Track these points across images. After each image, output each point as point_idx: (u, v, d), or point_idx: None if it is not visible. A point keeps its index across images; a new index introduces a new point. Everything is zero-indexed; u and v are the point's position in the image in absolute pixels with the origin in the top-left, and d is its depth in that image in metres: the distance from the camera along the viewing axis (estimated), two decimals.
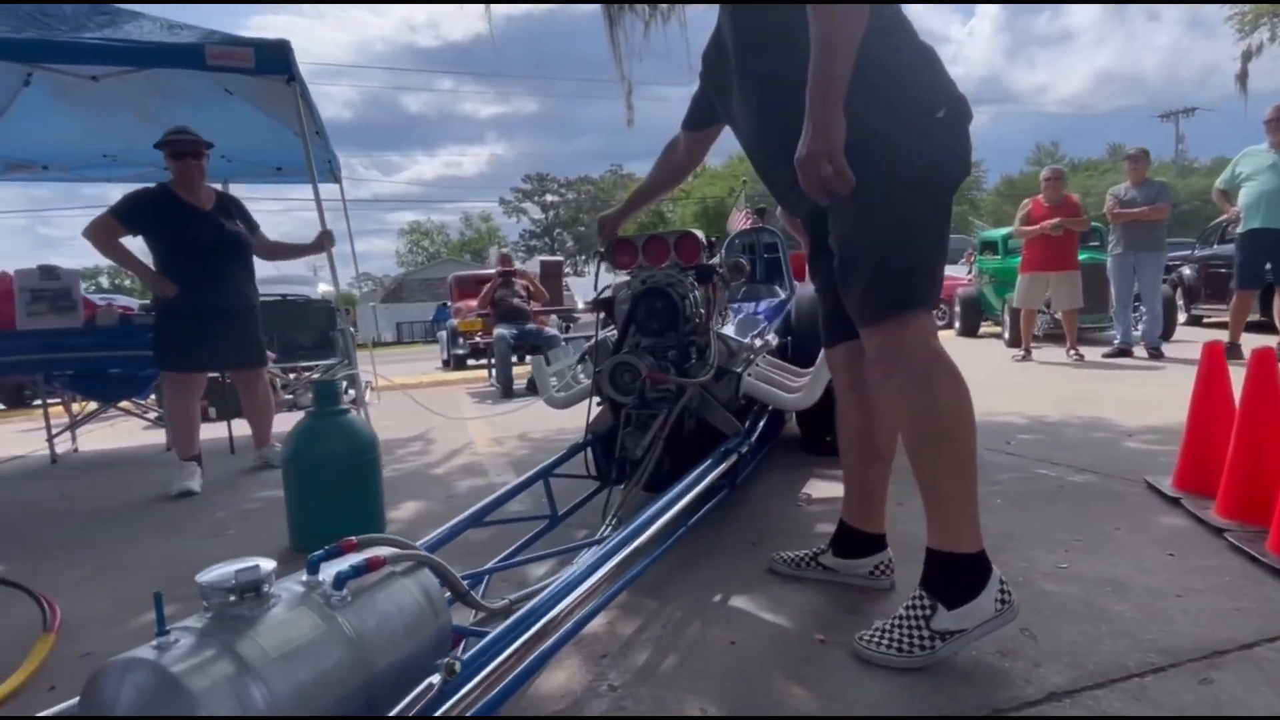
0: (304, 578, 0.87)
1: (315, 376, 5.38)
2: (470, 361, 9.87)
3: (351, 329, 5.28)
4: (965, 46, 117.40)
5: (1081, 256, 6.85)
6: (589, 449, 2.30)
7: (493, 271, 7.67)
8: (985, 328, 10.00)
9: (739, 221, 5.28)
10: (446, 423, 4.59)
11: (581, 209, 52.70)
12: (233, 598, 0.77)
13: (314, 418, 2.22)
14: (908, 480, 2.61)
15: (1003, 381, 5.22)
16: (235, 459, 3.93)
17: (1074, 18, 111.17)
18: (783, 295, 3.60)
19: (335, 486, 2.18)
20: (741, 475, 2.31)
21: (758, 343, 2.43)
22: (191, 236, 3.21)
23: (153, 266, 3.26)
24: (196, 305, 3.18)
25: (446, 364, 10.94)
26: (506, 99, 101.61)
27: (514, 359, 6.55)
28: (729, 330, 2.76)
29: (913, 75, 1.35)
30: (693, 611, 1.60)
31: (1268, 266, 5.17)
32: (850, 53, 1.18)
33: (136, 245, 3.38)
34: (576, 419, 3.69)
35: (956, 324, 10.39)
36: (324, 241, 3.69)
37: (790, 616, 1.54)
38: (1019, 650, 1.33)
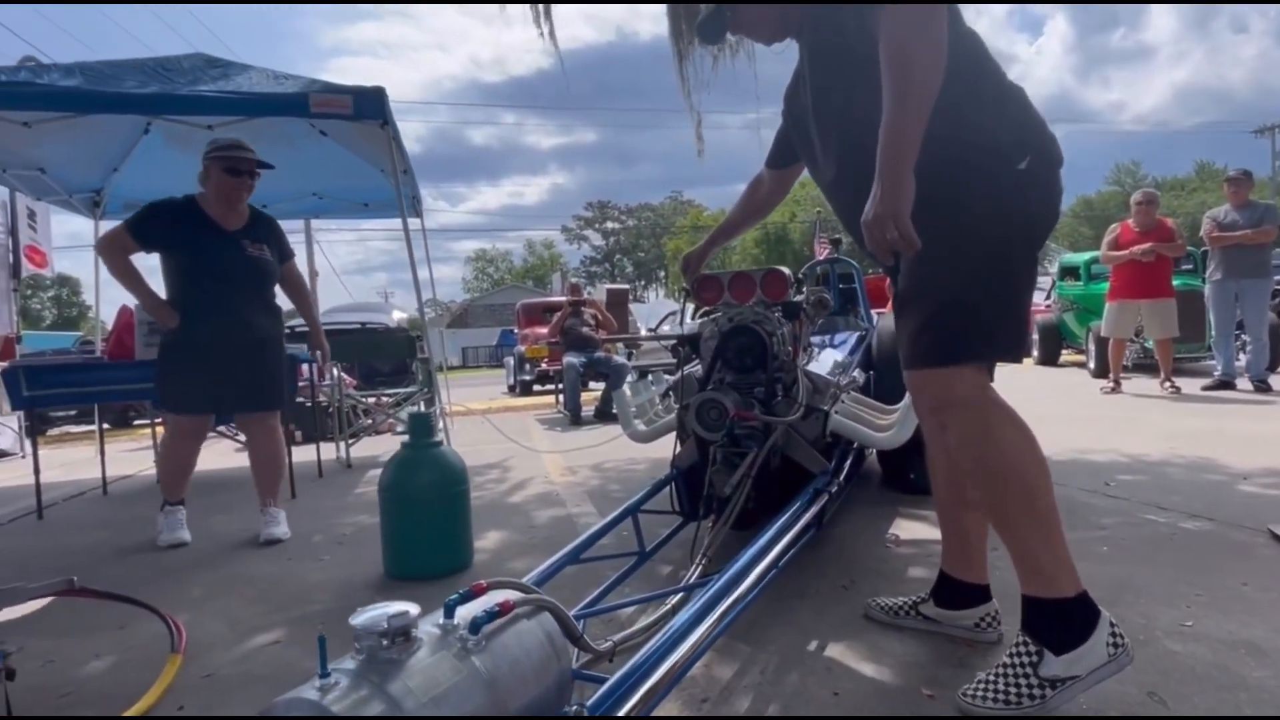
0: (440, 620, 0.91)
1: (390, 402, 5.58)
2: (536, 387, 10.06)
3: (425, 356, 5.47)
4: (1033, 66, 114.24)
5: (1175, 283, 6.52)
6: (673, 484, 2.31)
7: (560, 300, 7.82)
8: (1066, 356, 9.58)
9: (819, 250, 5.25)
10: (520, 449, 4.68)
11: (641, 235, 53.31)
12: (385, 641, 0.80)
13: (409, 449, 2.31)
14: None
15: (1093, 415, 4.98)
16: (323, 482, 4.10)
17: (1150, 33, 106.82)
18: (862, 327, 3.55)
19: (428, 516, 2.25)
20: (828, 514, 2.27)
21: (844, 379, 2.39)
22: (207, 256, 2.83)
23: (165, 291, 2.89)
24: (203, 338, 2.82)
25: (513, 389, 11.17)
26: (568, 130, 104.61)
27: (581, 385, 6.65)
28: (813, 366, 2.74)
29: (992, 123, 1.30)
30: (791, 658, 1.57)
31: None
32: (925, 109, 1.14)
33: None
34: (647, 451, 3.71)
35: (1035, 352, 9.98)
36: (316, 346, 3.38)
37: (894, 668, 1.49)
38: (1148, 715, 1.25)
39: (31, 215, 6.34)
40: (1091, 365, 7.52)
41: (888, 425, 2.26)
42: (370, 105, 3.67)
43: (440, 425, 4.73)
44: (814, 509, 1.95)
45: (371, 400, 5.98)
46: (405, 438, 2.36)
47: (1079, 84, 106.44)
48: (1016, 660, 1.27)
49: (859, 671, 1.49)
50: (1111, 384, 6.09)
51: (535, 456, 4.55)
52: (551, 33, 5.69)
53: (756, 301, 2.27)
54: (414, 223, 5.91)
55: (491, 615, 0.91)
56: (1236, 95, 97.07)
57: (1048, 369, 9.22)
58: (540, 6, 5.70)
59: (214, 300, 2.83)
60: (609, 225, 55.69)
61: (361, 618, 0.82)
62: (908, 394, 2.26)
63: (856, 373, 2.58)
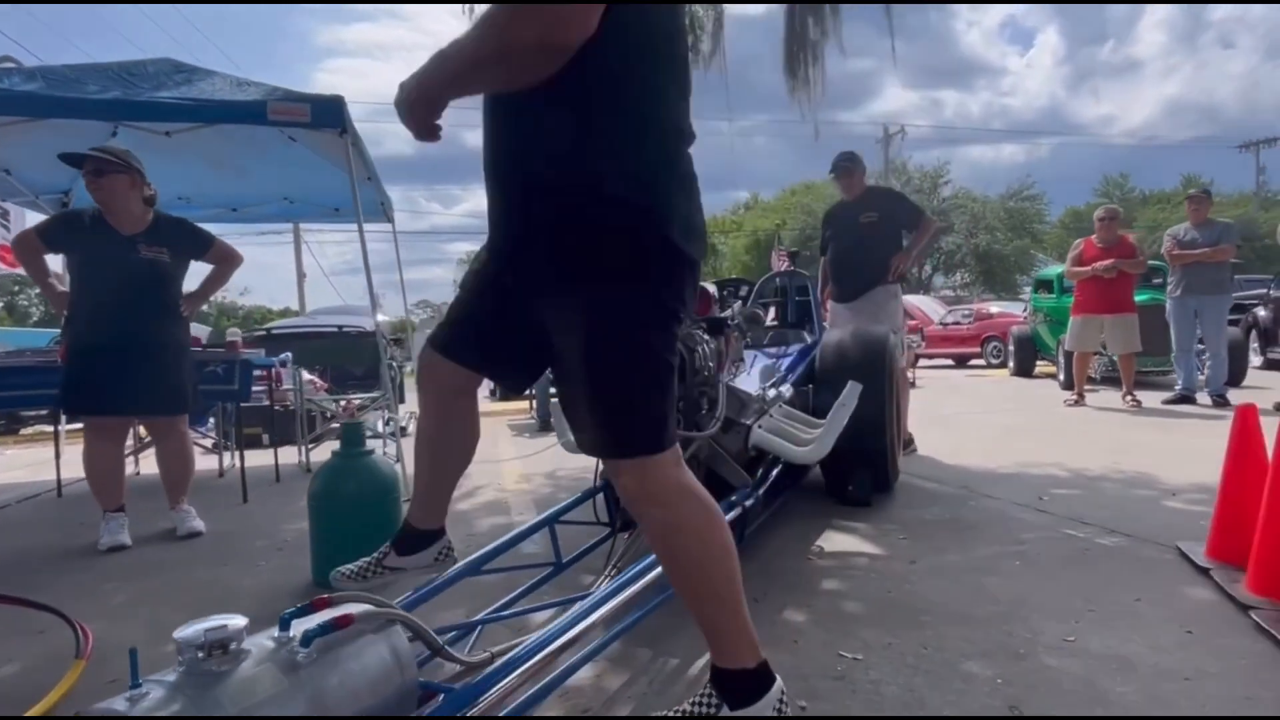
0: (275, 634, 0.94)
1: (355, 405, 5.59)
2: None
3: (393, 361, 5.48)
4: (1024, 78, 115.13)
5: (1142, 297, 6.60)
6: (600, 496, 2.34)
7: None
8: (1042, 367, 9.67)
9: (777, 262, 5.32)
10: (480, 456, 4.71)
11: None
12: (201, 654, 0.84)
13: (339, 458, 2.34)
14: (923, 536, 2.57)
15: (1050, 427, 5.04)
16: (279, 487, 4.12)
17: (1140, 47, 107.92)
18: (809, 340, 3.59)
19: (356, 524, 2.27)
20: (751, 527, 2.31)
21: (771, 393, 2.44)
22: (99, 260, 2.91)
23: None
24: (94, 339, 2.88)
25: (493, 394, 11.18)
26: None
27: (552, 392, 6.67)
28: (749, 378, 2.78)
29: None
30: (683, 668, 1.61)
31: None
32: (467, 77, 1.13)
33: None
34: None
35: (1011, 363, 10.08)
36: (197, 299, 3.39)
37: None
38: None
39: (4, 215, 6.36)
40: (1061, 377, 7.60)
41: (809, 440, 2.30)
42: (328, 113, 3.70)
43: (398, 432, 4.75)
44: (728, 519, 1.98)
45: (340, 404, 5.99)
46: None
47: (1070, 96, 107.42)
48: (700, 704, 1.27)
49: None
50: (1075, 397, 6.16)
51: (493, 464, 4.58)
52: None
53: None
54: (386, 227, 5.99)
55: (325, 629, 0.94)
56: (1224, 111, 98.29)
57: (1022, 380, 9.30)
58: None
59: (108, 302, 2.88)
60: None
61: (183, 631, 0.86)
62: (833, 408, 2.32)
63: (786, 388, 2.62)
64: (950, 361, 14.01)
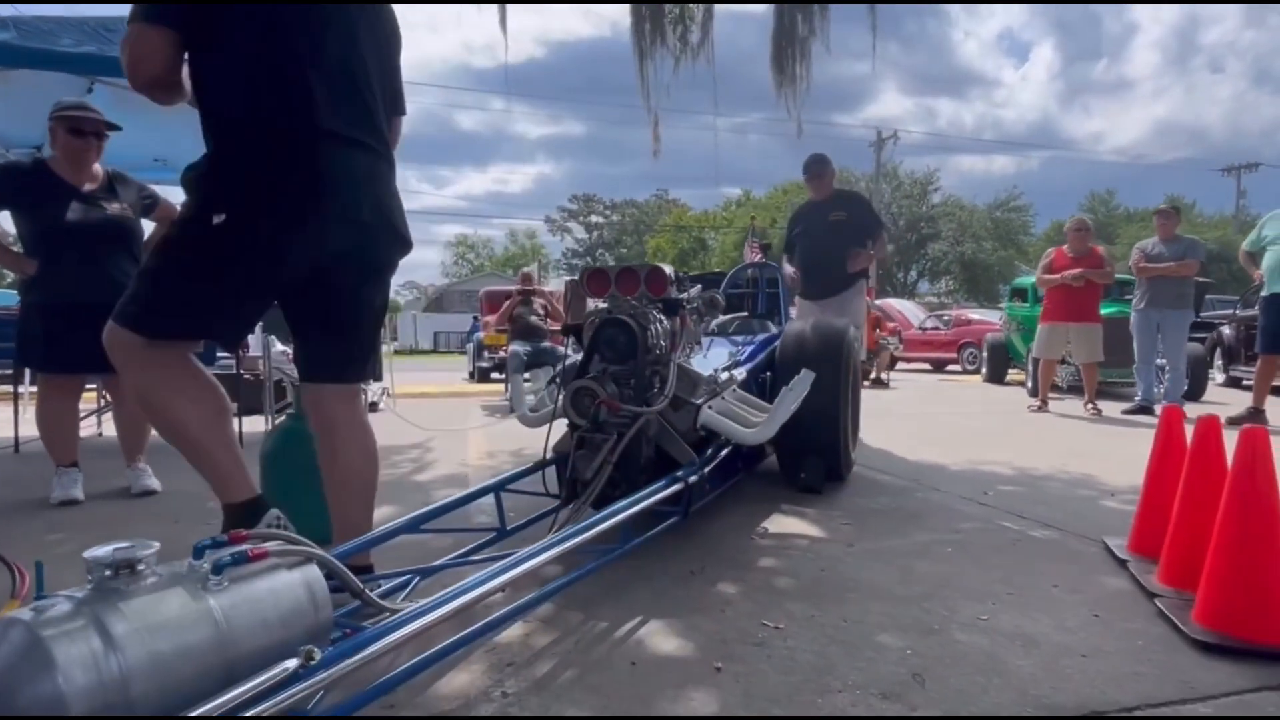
0: (190, 561, 0.98)
1: None
2: (495, 375, 10.08)
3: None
4: (1017, 91, 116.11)
5: (1109, 309, 6.74)
6: (554, 468, 2.39)
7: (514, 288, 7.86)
8: (1015, 375, 9.82)
9: (750, 253, 5.38)
10: (448, 433, 4.73)
11: (625, 231, 53.30)
12: (109, 573, 0.87)
13: (294, 419, 2.36)
14: (866, 523, 2.63)
15: (1009, 429, 5.15)
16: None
17: (1132, 67, 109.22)
18: (774, 331, 3.65)
19: (304, 486, 2.30)
20: (697, 504, 2.36)
21: (724, 376, 2.49)
22: (60, 217, 2.85)
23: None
24: (64, 296, 2.84)
25: (472, 375, 11.18)
26: (557, 120, 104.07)
27: (526, 375, 6.70)
28: (707, 362, 2.83)
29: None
30: (611, 631, 1.66)
31: None
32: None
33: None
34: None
35: (983, 370, 10.24)
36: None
37: (700, 644, 1.58)
38: (903, 694, 1.36)
39: None
40: (1029, 385, 7.73)
41: (756, 422, 2.36)
42: None
43: (372, 405, 4.75)
44: (668, 492, 2.04)
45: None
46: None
47: (1062, 111, 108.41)
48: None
49: (667, 645, 1.58)
50: (1039, 403, 6.29)
51: (462, 439, 4.61)
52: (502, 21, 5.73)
53: (640, 296, 2.36)
54: None
55: (238, 559, 0.98)
56: (1210, 134, 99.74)
57: (994, 386, 9.46)
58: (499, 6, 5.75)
59: (76, 259, 2.86)
60: (593, 219, 55.60)
61: (93, 551, 0.89)
62: (781, 393, 2.37)
63: (740, 371, 2.68)
64: (928, 366, 14.18)
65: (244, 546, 1.00)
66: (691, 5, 6.23)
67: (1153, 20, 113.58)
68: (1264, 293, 5.05)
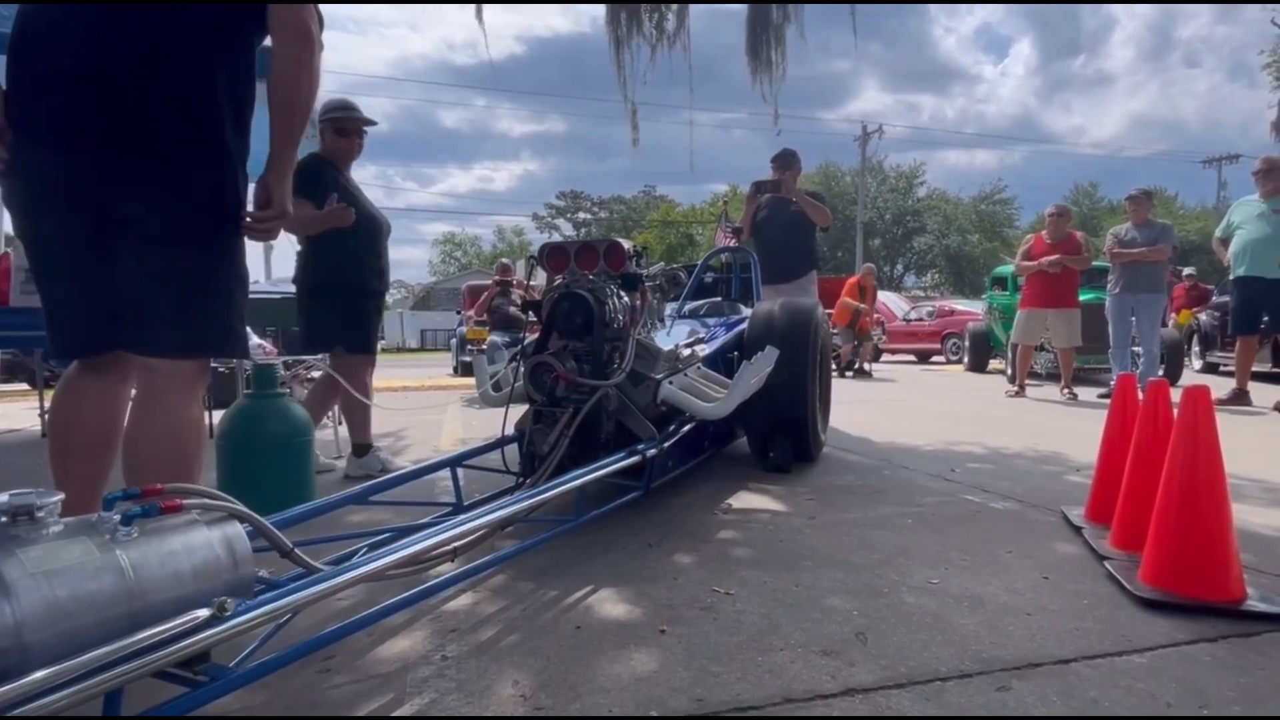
0: (100, 514, 0.96)
1: (304, 373, 5.54)
2: None
3: None
4: (998, 86, 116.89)
5: (1086, 295, 6.78)
6: (514, 444, 2.37)
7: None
8: (997, 364, 9.88)
9: (722, 238, 5.39)
10: (424, 421, 4.71)
11: (613, 227, 53.17)
12: (5, 519, 0.85)
13: (250, 399, 2.34)
14: (830, 499, 2.63)
15: (984, 413, 5.18)
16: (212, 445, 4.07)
17: (1110, 62, 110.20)
18: (745, 313, 3.65)
19: (264, 465, 2.28)
20: (659, 480, 2.35)
21: (685, 352, 2.48)
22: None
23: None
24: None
25: (455, 370, 11.12)
26: (541, 118, 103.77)
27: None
28: (670, 340, 2.83)
29: None
30: (560, 599, 1.65)
31: (1265, 318, 5.10)
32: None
33: None
34: None
35: (966, 359, 10.29)
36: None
37: (648, 609, 1.58)
38: (843, 651, 1.36)
39: None
40: (1009, 371, 7.78)
41: (716, 398, 2.35)
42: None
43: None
44: (624, 464, 2.03)
45: (290, 369, 5.91)
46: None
47: (1042, 106, 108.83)
48: None
49: (611, 611, 1.58)
50: (1016, 388, 6.33)
51: (437, 427, 4.59)
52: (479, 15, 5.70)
53: (599, 272, 2.35)
54: None
55: (149, 511, 0.96)
56: (1188, 127, 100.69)
57: (975, 375, 9.51)
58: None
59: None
60: (580, 215, 55.44)
61: None
62: (739, 370, 2.37)
63: (704, 348, 2.67)
64: (912, 357, 14.24)
65: (155, 500, 0.98)
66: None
67: (1129, 15, 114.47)
68: (1231, 275, 5.11)
